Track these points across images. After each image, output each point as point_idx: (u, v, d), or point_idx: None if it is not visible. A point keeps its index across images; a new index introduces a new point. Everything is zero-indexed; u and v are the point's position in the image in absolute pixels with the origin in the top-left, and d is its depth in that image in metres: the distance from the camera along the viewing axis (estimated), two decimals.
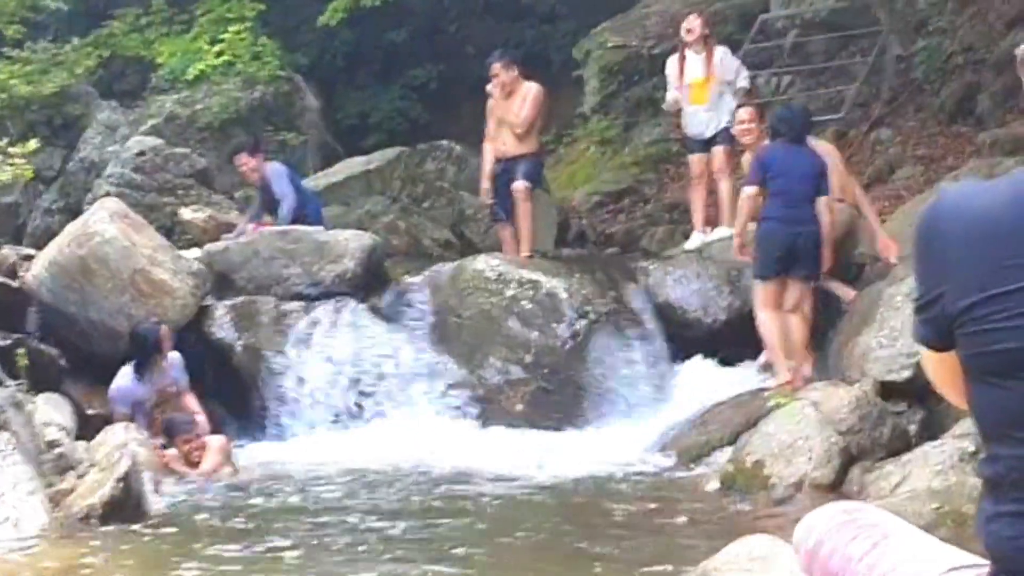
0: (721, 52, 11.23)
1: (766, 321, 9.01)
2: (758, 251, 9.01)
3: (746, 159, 9.96)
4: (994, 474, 1.98)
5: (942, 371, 2.06)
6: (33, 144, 9.14)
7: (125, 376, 9.22)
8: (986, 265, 1.91)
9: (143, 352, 9.25)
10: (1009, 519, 1.93)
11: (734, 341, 9.80)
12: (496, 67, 11.09)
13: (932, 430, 7.93)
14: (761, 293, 9.04)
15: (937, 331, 2.00)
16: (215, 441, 8.89)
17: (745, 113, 9.99)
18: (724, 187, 10.99)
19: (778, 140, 9.15)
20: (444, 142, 13.93)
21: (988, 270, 1.91)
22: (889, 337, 8.55)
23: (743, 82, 11.17)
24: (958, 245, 1.94)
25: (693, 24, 11.15)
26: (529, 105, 11.00)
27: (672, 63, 11.34)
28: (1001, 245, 1.91)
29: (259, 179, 11.69)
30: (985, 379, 1.95)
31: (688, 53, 11.13)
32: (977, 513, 2.05)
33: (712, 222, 11.24)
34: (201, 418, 9.28)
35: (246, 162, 11.80)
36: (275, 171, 11.70)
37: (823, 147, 9.81)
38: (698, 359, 9.99)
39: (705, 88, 11.03)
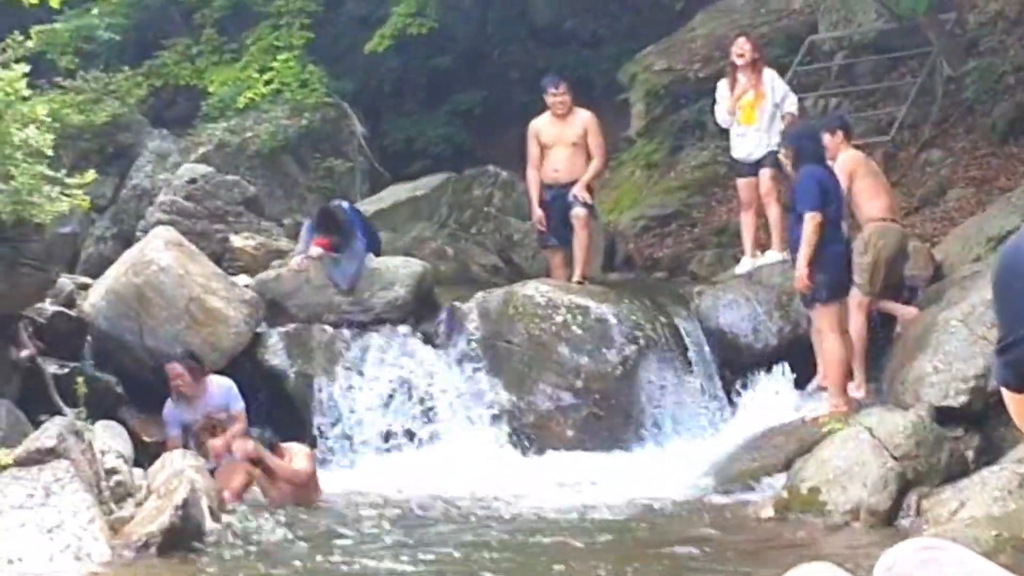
0: (771, 75, 11.23)
1: (837, 345, 8.93)
2: (828, 275, 8.93)
3: None
4: None
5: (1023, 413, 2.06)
6: (91, 175, 9.23)
7: (169, 403, 9.40)
8: None
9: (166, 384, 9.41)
10: None
11: (785, 366, 9.77)
12: (563, 87, 11.16)
13: (989, 455, 7.88)
14: (833, 316, 8.97)
15: (1018, 373, 1.99)
16: (300, 448, 9.09)
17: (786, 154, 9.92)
18: (773, 212, 10.96)
19: (810, 161, 9.10)
20: (490, 167, 13.97)
21: None
22: (944, 362, 8.50)
23: (791, 107, 11.16)
24: None
25: (743, 47, 11.15)
26: (598, 134, 11.12)
27: (723, 85, 11.35)
28: None
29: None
30: None
31: (738, 76, 11.14)
32: None
33: (762, 246, 11.21)
34: (238, 443, 9.38)
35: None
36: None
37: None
38: (749, 383, 9.96)
39: (755, 109, 11.03)
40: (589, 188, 11.14)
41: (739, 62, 11.12)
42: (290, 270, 10.78)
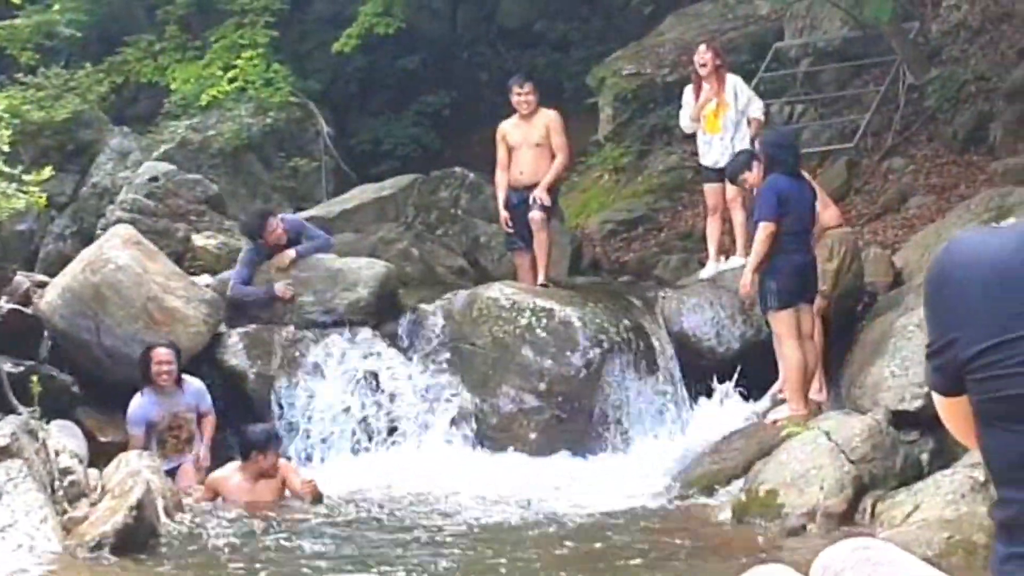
0: (733, 81, 11.26)
1: (794, 350, 8.98)
2: (778, 282, 8.98)
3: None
4: (1006, 517, 1.99)
5: (954, 416, 2.08)
6: (47, 172, 9.17)
7: (137, 398, 9.30)
8: (996, 312, 1.93)
9: (140, 370, 9.30)
10: (1021, 561, 1.94)
11: (747, 370, 9.79)
12: (528, 86, 11.14)
13: (944, 459, 7.93)
14: (787, 322, 9.02)
15: (948, 378, 2.02)
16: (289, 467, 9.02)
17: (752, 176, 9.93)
18: (738, 218, 11.00)
19: (780, 171, 9.11)
20: (457, 169, 13.95)
21: (998, 317, 1.93)
22: (901, 367, 8.56)
23: (756, 112, 11.19)
24: (968, 293, 1.96)
25: (704, 56, 11.17)
26: (561, 133, 11.09)
27: (688, 93, 11.38)
28: (1012, 292, 1.94)
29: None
30: (996, 424, 1.97)
31: (703, 84, 11.16)
32: (991, 554, 2.06)
33: (726, 251, 11.25)
34: (204, 451, 9.39)
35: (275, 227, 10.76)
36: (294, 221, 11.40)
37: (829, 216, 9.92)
38: (711, 387, 9.98)
39: (718, 118, 11.05)
40: (551, 189, 11.13)
41: (701, 71, 11.14)
42: (280, 295, 10.56)
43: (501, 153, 11.21)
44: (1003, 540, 2.03)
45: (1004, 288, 1.94)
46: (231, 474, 8.67)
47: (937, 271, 2.03)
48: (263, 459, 8.57)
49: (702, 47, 11.42)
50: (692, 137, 11.89)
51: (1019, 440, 1.96)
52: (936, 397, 2.09)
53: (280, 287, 10.40)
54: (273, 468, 8.62)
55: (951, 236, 2.03)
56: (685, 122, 11.46)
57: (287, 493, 8.67)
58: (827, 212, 9.77)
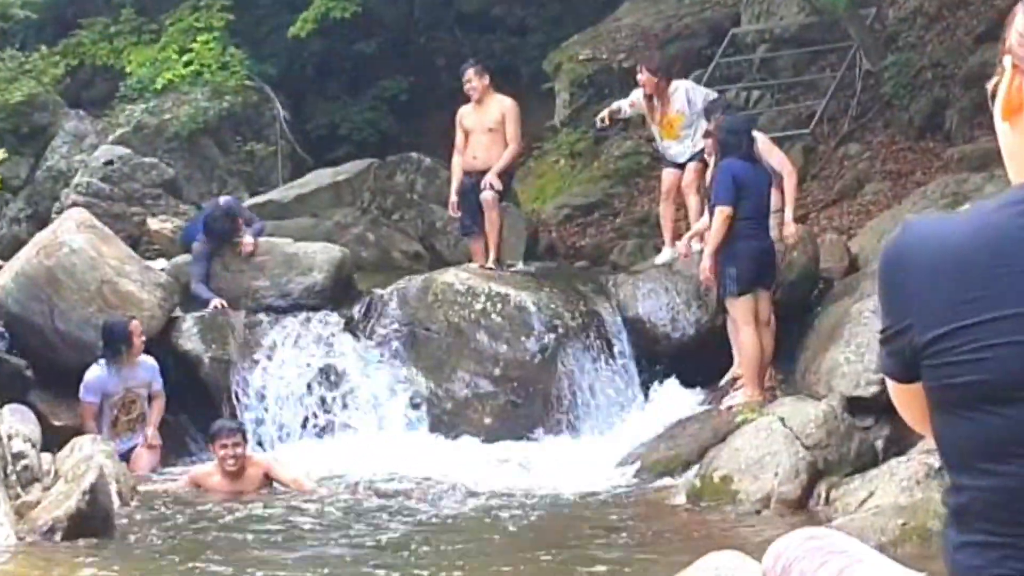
0: (684, 88, 11.06)
1: (751, 336, 9.02)
2: (738, 267, 9.01)
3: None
4: (959, 505, 1.99)
5: (907, 403, 2.07)
6: (1, 154, 9.07)
7: (96, 368, 9.40)
8: (951, 298, 1.92)
9: (111, 343, 9.37)
10: (975, 549, 1.94)
11: (702, 356, 9.82)
12: (470, 73, 11.08)
13: (899, 445, 7.97)
14: (744, 308, 9.06)
15: (902, 364, 2.01)
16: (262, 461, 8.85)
17: (708, 145, 9.97)
18: (692, 202, 10.99)
19: (735, 156, 9.13)
20: (414, 154, 13.92)
21: (953, 303, 1.92)
22: (856, 353, 8.61)
23: (705, 103, 10.95)
24: (923, 278, 1.95)
25: (642, 79, 10.98)
26: (514, 121, 11.02)
27: (642, 103, 11.22)
28: (966, 278, 1.92)
29: None
30: (950, 411, 1.96)
31: (649, 105, 11.04)
32: (943, 541, 2.06)
33: (681, 236, 11.23)
34: (151, 430, 9.42)
35: None
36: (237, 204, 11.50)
37: (779, 159, 9.93)
38: (666, 373, 10.01)
39: (674, 127, 10.95)
40: (504, 174, 11.06)
41: (646, 90, 11.01)
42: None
43: (459, 138, 11.18)
44: (955, 528, 2.03)
45: (959, 273, 1.93)
46: (212, 471, 8.63)
47: (892, 255, 2.02)
48: (218, 448, 8.50)
49: (639, 69, 11.16)
50: (646, 121, 11.81)
51: (973, 427, 1.96)
52: (890, 383, 2.08)
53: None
54: (240, 460, 8.48)
55: (904, 221, 2.03)
56: (623, 103, 11.30)
57: (275, 486, 8.58)
58: (774, 157, 9.78)
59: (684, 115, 10.81)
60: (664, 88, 10.88)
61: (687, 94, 10.96)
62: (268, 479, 8.61)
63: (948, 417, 1.98)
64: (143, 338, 9.47)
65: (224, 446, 8.46)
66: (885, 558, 2.38)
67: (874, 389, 8.25)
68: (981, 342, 1.92)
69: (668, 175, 11.19)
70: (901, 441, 7.99)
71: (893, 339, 2.01)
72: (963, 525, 1.98)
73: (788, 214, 9.73)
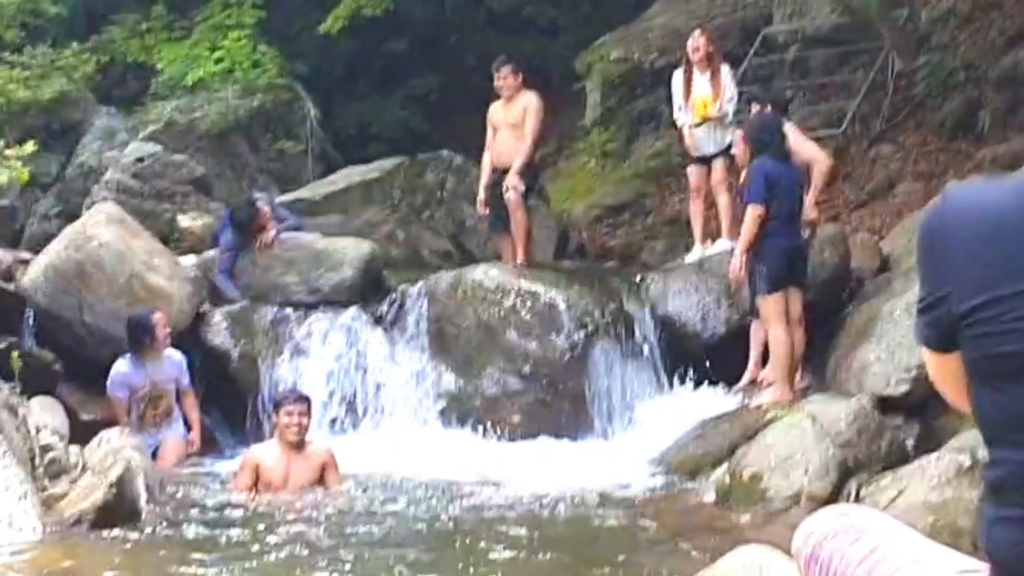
0: (726, 73, 11.06)
1: (782, 334, 8.95)
2: (768, 266, 8.95)
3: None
4: (996, 478, 1.95)
5: (945, 373, 2.03)
6: (30, 146, 9.11)
7: (121, 362, 9.38)
8: (992, 266, 1.88)
9: (135, 336, 9.37)
10: (1011, 523, 1.91)
11: (732, 354, 9.76)
12: (506, 70, 11.03)
13: (929, 443, 7.91)
14: (775, 306, 8.99)
15: (940, 333, 1.96)
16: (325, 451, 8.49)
17: (740, 137, 9.90)
18: (723, 200, 10.94)
19: (767, 154, 9.07)
20: (444, 152, 13.92)
21: (994, 271, 1.88)
22: (887, 351, 8.55)
23: (729, 105, 10.93)
24: (963, 246, 1.91)
25: (698, 42, 10.92)
26: (534, 116, 10.93)
27: (677, 79, 11.14)
28: (1007, 246, 1.88)
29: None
30: (989, 382, 1.92)
31: (694, 70, 10.98)
32: (979, 517, 2.02)
33: (712, 235, 11.20)
34: (194, 434, 9.47)
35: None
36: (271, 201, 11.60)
37: (811, 150, 9.88)
38: (696, 371, 9.95)
39: (710, 107, 10.87)
40: (526, 172, 10.96)
41: (693, 57, 10.95)
42: None
43: (489, 135, 11.14)
44: (992, 502, 1.99)
45: (1001, 242, 1.88)
46: (269, 448, 8.39)
47: (932, 224, 1.98)
48: (282, 415, 8.19)
49: (696, 32, 11.21)
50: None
51: (1013, 400, 1.92)
52: (927, 354, 2.04)
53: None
54: (304, 431, 8.18)
55: (945, 189, 1.98)
56: (677, 114, 11.24)
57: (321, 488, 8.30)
58: (805, 147, 9.72)
59: (721, 96, 10.73)
60: (717, 61, 10.79)
61: (727, 78, 10.92)
62: (322, 473, 8.29)
63: (986, 389, 1.94)
64: (167, 331, 9.45)
65: (289, 413, 8.15)
66: (917, 533, 2.35)
67: (904, 388, 8.19)
68: (1021, 312, 1.88)
69: (694, 172, 11.12)
70: (931, 439, 7.93)
71: (931, 308, 1.97)
72: (1000, 499, 1.95)
73: (808, 200, 9.60)
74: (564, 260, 12.84)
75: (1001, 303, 1.88)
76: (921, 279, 2.02)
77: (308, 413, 8.28)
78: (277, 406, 8.35)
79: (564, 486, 8.51)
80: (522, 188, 10.88)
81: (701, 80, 10.90)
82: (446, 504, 8.15)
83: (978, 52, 13.25)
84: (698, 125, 10.87)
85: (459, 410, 9.99)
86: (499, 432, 9.78)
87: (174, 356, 9.54)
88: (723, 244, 10.73)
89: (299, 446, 8.19)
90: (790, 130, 9.72)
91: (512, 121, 10.95)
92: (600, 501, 8.20)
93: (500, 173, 11.00)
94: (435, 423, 9.99)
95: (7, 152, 8.77)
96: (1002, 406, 1.91)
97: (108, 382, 9.36)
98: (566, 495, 8.30)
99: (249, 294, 10.56)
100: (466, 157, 13.48)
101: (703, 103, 10.84)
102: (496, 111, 11.10)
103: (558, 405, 9.91)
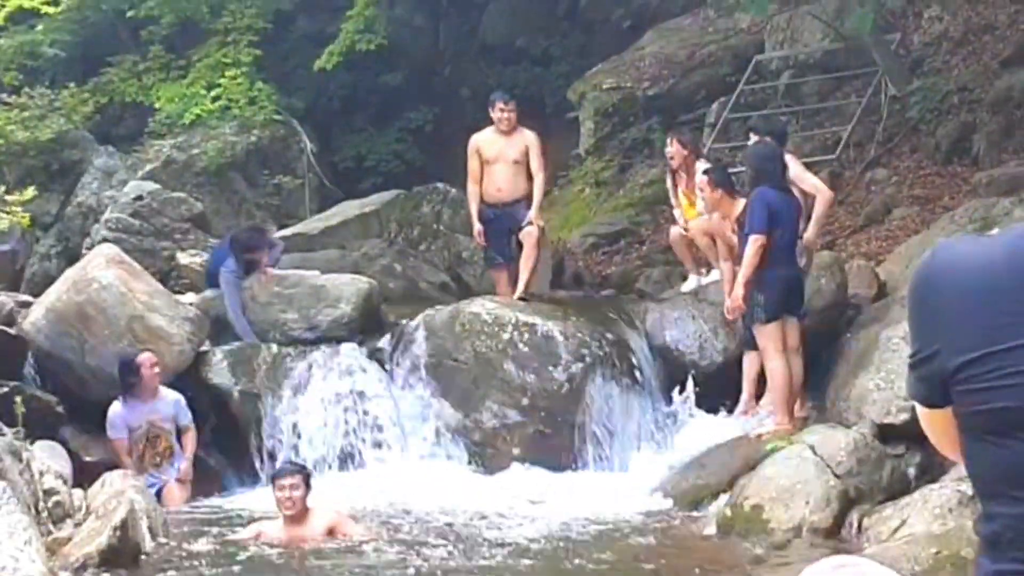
0: (700, 168, 11.05)
1: (780, 364, 8.96)
2: (766, 295, 8.97)
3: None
4: (991, 533, 1.96)
5: (937, 428, 2.05)
6: (31, 192, 9.17)
7: (116, 404, 9.44)
8: (983, 323, 1.91)
9: (123, 377, 9.41)
10: None
11: (729, 384, 9.78)
12: (512, 104, 11.10)
13: (931, 473, 7.91)
14: (772, 335, 9.01)
15: (932, 388, 1.99)
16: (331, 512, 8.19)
17: (700, 182, 9.93)
18: (703, 243, 10.96)
19: (768, 184, 9.10)
20: (440, 185, 13.96)
21: (985, 328, 1.90)
22: (886, 380, 8.55)
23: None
24: (954, 302, 1.93)
25: (671, 151, 10.98)
26: (538, 154, 11.00)
27: (669, 186, 11.22)
28: (998, 302, 1.91)
29: None
30: (982, 437, 1.94)
31: (677, 177, 11.02)
32: (976, 569, 2.04)
33: (702, 262, 11.19)
34: (185, 465, 9.41)
35: None
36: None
37: (813, 182, 9.93)
38: (694, 401, 9.97)
39: (694, 206, 10.95)
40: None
41: (671, 163, 11.03)
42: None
43: (474, 164, 11.11)
44: (988, 556, 2.00)
45: (991, 297, 1.91)
46: (272, 522, 8.08)
47: (922, 279, 2.00)
48: (276, 490, 7.88)
49: (668, 140, 11.17)
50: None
51: (1004, 453, 1.94)
52: (919, 408, 2.06)
53: None
54: (298, 503, 7.81)
55: (935, 244, 2.01)
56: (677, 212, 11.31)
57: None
58: (807, 179, 9.78)
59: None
60: (692, 162, 10.87)
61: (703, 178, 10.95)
62: (333, 533, 7.99)
63: (978, 443, 1.96)
64: (156, 371, 9.40)
65: (281, 487, 7.82)
66: None
67: (905, 416, 8.19)
68: (1012, 368, 1.90)
69: (675, 230, 11.17)
70: (933, 468, 7.93)
71: (923, 364, 2.00)
72: (996, 553, 1.96)
73: (810, 230, 9.64)
74: (560, 289, 12.85)
75: (993, 359, 1.90)
76: (912, 334, 2.05)
77: (303, 484, 7.87)
78: (272, 480, 8.07)
79: (563, 518, 8.52)
80: (542, 224, 10.97)
81: (681, 181, 10.97)
82: (445, 539, 8.16)
83: (972, 75, 13.32)
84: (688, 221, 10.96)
85: (459, 443, 10.00)
86: (498, 464, 9.79)
87: (170, 396, 9.55)
88: (717, 274, 10.75)
89: (298, 518, 7.87)
90: (791, 161, 9.79)
91: (514, 157, 10.99)
92: (600, 533, 8.22)
93: (500, 208, 11.03)
94: (435, 456, 9.99)
95: (7, 198, 8.80)
96: (994, 461, 1.94)
97: (107, 424, 9.39)
98: (565, 528, 8.31)
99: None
100: (461, 189, 13.52)
101: (688, 204, 10.92)
102: (489, 144, 11.08)
103: (557, 437, 9.92)
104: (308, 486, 7.92)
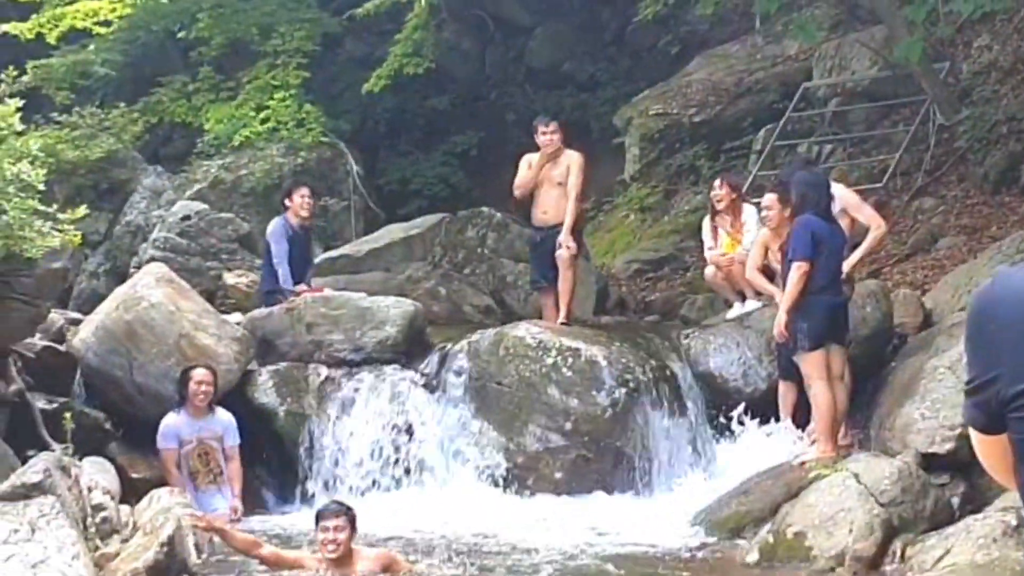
0: (750, 213, 11.05)
1: (824, 391, 8.95)
2: (810, 323, 8.96)
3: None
4: None
5: (992, 454, 2.07)
6: (82, 211, 9.27)
7: (171, 415, 9.48)
8: None
9: (177, 388, 9.50)
10: None
11: (773, 411, 9.77)
12: (553, 125, 11.21)
13: (975, 503, 7.87)
14: (816, 362, 8.99)
15: (989, 415, 2.01)
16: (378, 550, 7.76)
17: (768, 200, 9.99)
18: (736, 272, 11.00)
19: (813, 211, 9.10)
20: (485, 209, 14.01)
21: None
22: (931, 409, 8.51)
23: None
24: (1012, 330, 1.95)
25: (720, 193, 11.09)
26: (578, 173, 11.11)
27: (706, 227, 11.31)
28: None
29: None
30: None
31: (720, 219, 11.10)
32: None
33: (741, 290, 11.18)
34: (236, 502, 9.32)
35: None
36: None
37: (869, 214, 9.96)
38: (738, 428, 9.95)
39: (738, 243, 11.00)
40: (575, 228, 11.14)
41: (718, 205, 11.10)
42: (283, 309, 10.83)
43: (523, 170, 11.21)
44: None
45: None
46: (314, 563, 7.59)
47: (981, 307, 2.02)
48: (319, 532, 7.36)
49: (717, 183, 11.29)
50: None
51: None
52: (974, 434, 2.08)
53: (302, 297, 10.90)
54: (341, 546, 7.28)
55: (986, 275, 2.03)
56: (707, 252, 11.35)
57: None
58: (864, 211, 9.80)
59: (748, 232, 10.87)
60: (739, 205, 10.97)
61: (751, 218, 11.02)
62: (388, 571, 7.50)
63: None
64: (204, 387, 9.43)
65: (325, 529, 7.29)
66: None
67: (950, 446, 8.16)
68: None
69: (710, 271, 11.22)
70: (977, 498, 7.89)
71: (980, 390, 2.02)
72: None
73: (853, 257, 9.66)
74: (604, 315, 12.87)
75: None
76: (969, 361, 2.07)
77: (348, 527, 7.31)
78: (316, 520, 7.48)
79: (605, 544, 8.52)
80: (575, 248, 11.02)
81: (725, 227, 11.02)
82: (487, 563, 8.17)
83: (1021, 105, 13.25)
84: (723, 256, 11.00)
85: (502, 467, 10.02)
86: (541, 489, 9.80)
87: (223, 416, 9.57)
88: (756, 302, 10.75)
89: (340, 562, 7.33)
90: (847, 193, 9.81)
91: (559, 180, 11.09)
92: (642, 559, 8.21)
93: (545, 231, 11.11)
94: (478, 480, 10.01)
95: (60, 216, 8.92)
96: None
97: (158, 435, 9.42)
98: (607, 553, 8.31)
99: (295, 352, 10.66)
100: (506, 213, 13.57)
101: (731, 244, 10.97)
102: (539, 168, 11.20)
103: (600, 462, 9.93)
104: (353, 528, 7.37)
